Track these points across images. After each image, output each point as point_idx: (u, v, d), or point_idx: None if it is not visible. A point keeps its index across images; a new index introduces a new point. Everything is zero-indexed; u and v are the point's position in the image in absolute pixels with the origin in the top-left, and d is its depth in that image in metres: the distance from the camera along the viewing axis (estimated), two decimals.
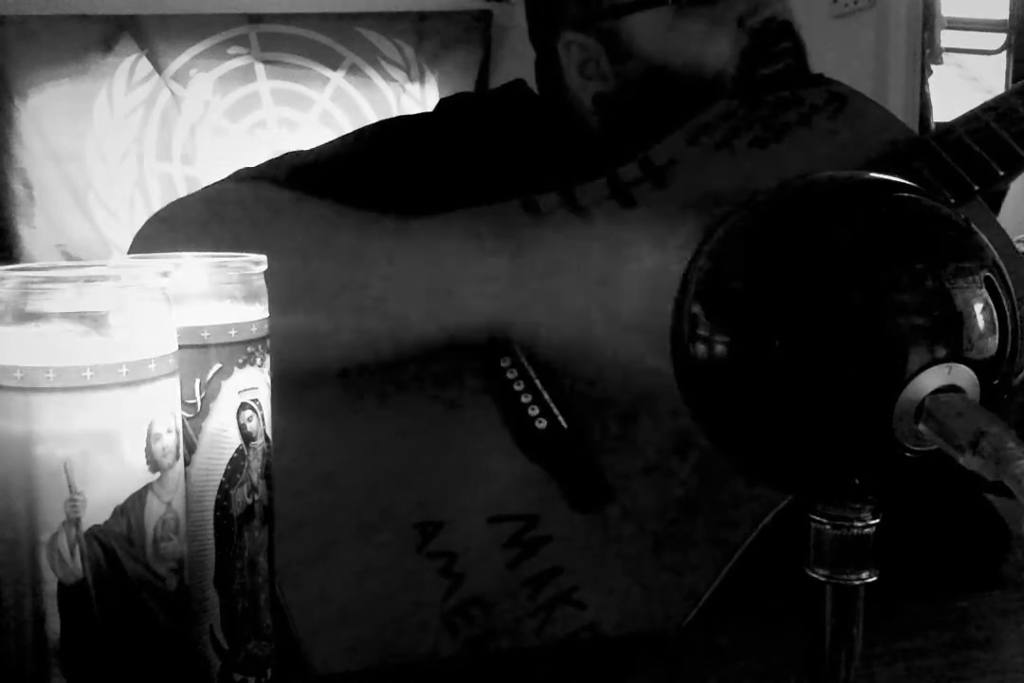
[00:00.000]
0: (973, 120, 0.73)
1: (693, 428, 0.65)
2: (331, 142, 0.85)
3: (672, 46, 0.81)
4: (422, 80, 2.69)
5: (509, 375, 0.69)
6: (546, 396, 0.68)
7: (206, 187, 0.77)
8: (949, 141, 0.72)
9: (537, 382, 0.68)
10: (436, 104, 0.92)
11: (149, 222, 0.72)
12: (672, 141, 0.76)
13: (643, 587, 0.64)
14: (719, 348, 0.37)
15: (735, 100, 0.77)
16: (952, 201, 0.70)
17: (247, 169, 0.80)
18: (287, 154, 0.83)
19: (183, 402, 0.42)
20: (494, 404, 0.69)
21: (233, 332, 0.43)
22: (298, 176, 0.76)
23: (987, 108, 0.73)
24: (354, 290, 0.65)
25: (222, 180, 0.79)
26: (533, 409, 0.68)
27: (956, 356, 0.35)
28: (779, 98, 0.77)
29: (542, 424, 0.68)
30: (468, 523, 0.66)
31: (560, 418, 0.68)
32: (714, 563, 0.64)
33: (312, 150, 0.84)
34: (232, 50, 2.62)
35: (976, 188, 0.71)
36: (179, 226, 0.71)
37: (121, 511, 0.37)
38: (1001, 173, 0.71)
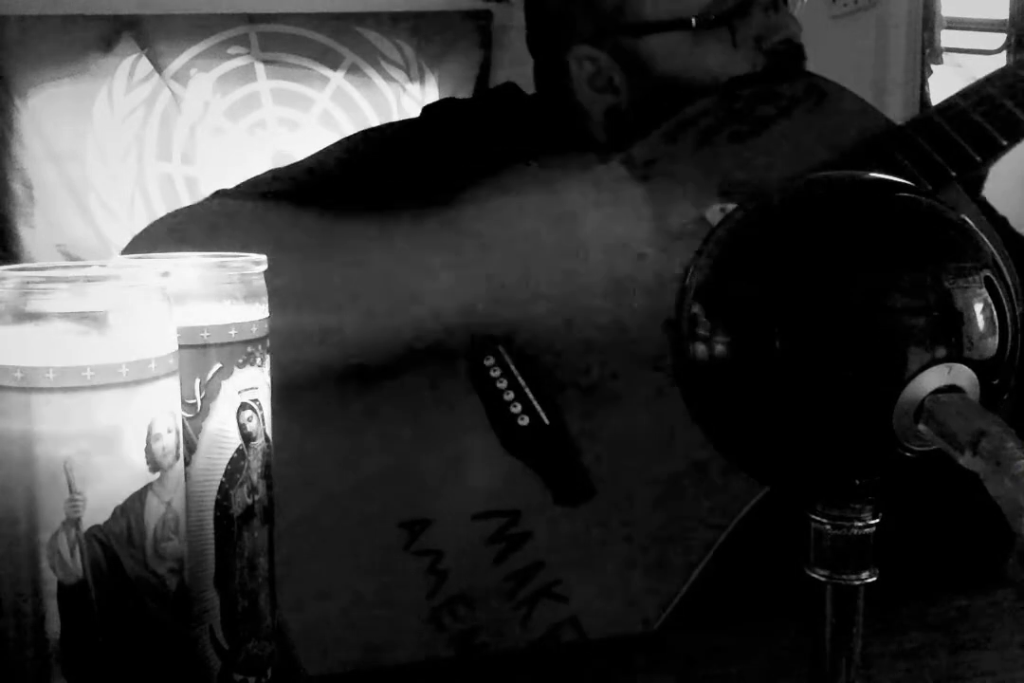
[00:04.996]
0: (950, 107, 0.74)
1: (671, 421, 0.66)
2: (313, 156, 0.86)
3: (691, 66, 0.81)
4: (422, 80, 2.69)
5: (492, 373, 0.70)
6: (528, 393, 0.69)
7: (177, 210, 0.78)
8: (927, 128, 0.73)
9: (520, 380, 0.70)
10: (421, 110, 0.92)
11: (132, 242, 0.73)
12: (652, 139, 0.77)
13: (624, 579, 0.65)
14: (719, 348, 0.37)
15: (713, 97, 0.78)
16: (930, 188, 0.70)
17: (225, 190, 0.81)
18: (266, 173, 0.84)
19: (183, 402, 0.42)
20: (478, 402, 0.69)
21: (233, 332, 0.43)
22: (276, 193, 0.77)
23: (963, 95, 0.74)
24: (323, 292, 0.66)
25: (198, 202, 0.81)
26: (515, 406, 0.69)
27: (956, 356, 0.35)
28: (756, 93, 0.78)
29: (524, 421, 0.68)
30: (453, 520, 0.67)
31: (542, 415, 0.69)
32: (694, 555, 0.65)
33: (292, 166, 0.84)
34: (232, 50, 2.62)
35: (953, 174, 0.72)
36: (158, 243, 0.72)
37: (121, 511, 0.37)
38: (978, 159, 0.72)
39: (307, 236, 0.70)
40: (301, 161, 0.85)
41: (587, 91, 0.86)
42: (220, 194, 0.81)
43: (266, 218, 0.73)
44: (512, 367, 0.70)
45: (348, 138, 0.88)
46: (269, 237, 0.70)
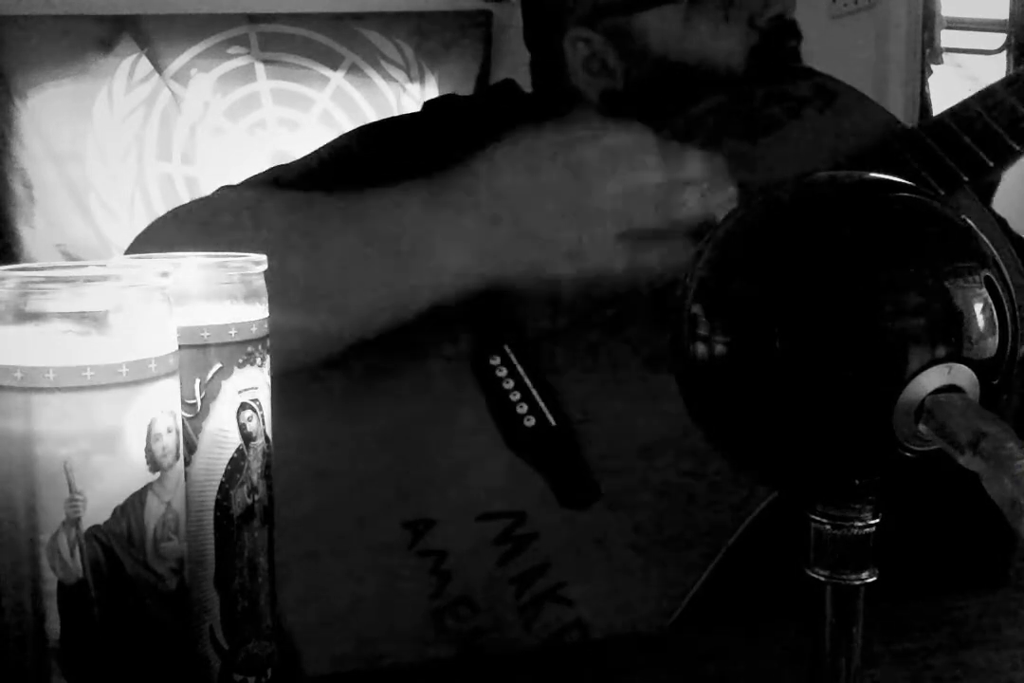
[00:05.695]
0: (963, 111, 0.73)
1: (678, 424, 0.66)
2: (315, 152, 0.85)
3: (684, 44, 0.80)
4: (422, 80, 2.69)
5: (498, 373, 0.69)
6: (535, 394, 0.69)
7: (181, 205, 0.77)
8: (939, 132, 0.72)
9: (526, 380, 0.69)
10: (422, 106, 0.91)
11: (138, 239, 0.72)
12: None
13: (630, 582, 0.64)
14: (719, 348, 0.37)
15: (723, 95, 0.77)
16: (941, 192, 0.70)
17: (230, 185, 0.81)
18: (272, 168, 0.83)
19: (183, 402, 0.42)
20: (483, 402, 0.69)
21: (233, 332, 0.43)
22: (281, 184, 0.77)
23: (977, 99, 0.73)
24: (320, 274, 0.64)
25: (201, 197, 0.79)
26: (521, 407, 0.69)
27: (956, 356, 0.35)
28: (767, 93, 0.77)
29: (530, 422, 0.68)
30: (457, 521, 0.66)
31: (548, 416, 0.68)
32: (702, 558, 0.64)
33: (297, 161, 0.84)
34: (232, 50, 2.62)
35: (966, 179, 0.71)
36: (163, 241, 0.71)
37: (121, 511, 0.37)
38: (991, 164, 0.71)
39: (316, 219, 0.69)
40: (309, 155, 0.84)
41: (582, 75, 0.85)
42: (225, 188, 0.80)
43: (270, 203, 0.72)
44: (518, 367, 0.69)
45: (346, 134, 0.88)
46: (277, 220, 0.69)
